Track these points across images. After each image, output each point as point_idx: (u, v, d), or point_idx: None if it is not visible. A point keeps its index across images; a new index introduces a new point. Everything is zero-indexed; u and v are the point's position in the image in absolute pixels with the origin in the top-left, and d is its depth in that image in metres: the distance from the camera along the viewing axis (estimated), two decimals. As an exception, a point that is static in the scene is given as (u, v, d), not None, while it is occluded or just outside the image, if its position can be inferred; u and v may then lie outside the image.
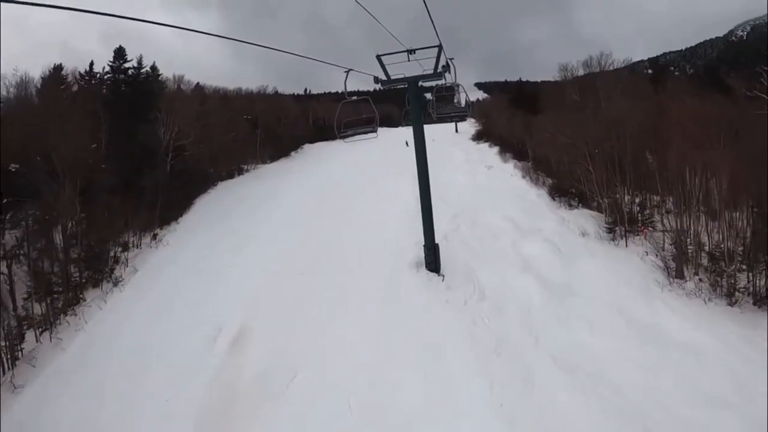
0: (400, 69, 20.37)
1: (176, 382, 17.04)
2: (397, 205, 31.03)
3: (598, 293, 20.60)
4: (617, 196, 29.14)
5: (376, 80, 20.15)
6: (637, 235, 26.50)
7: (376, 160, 50.93)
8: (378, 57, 19.95)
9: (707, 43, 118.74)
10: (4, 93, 37.78)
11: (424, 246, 22.92)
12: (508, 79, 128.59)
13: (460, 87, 21.44)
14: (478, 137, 72.77)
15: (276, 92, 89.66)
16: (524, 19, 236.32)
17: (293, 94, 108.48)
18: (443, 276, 22.43)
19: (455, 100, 22.65)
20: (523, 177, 44.52)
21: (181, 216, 34.68)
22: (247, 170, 56.15)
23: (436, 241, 23.58)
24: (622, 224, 27.14)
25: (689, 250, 22.71)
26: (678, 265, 22.20)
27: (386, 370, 15.96)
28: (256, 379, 16.91)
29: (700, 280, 21.55)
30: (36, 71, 45.99)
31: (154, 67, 51.61)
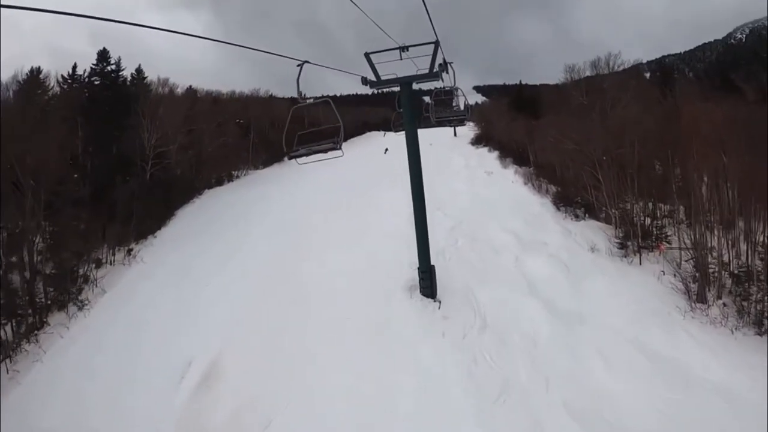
0: (393, 69, 18.07)
1: (136, 428, 14.93)
2: (390, 218, 28.62)
3: (613, 321, 18.44)
4: (628, 207, 27.06)
5: (364, 81, 17.80)
6: (652, 251, 24.37)
7: (370, 168, 48.84)
8: (366, 55, 17.66)
9: (706, 46, 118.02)
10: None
11: (418, 269, 20.66)
12: (507, 83, 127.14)
13: (459, 90, 19.80)
14: (477, 141, 70.83)
15: (270, 96, 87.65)
16: (520, 21, 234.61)
17: (290, 98, 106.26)
18: (439, 302, 20.20)
19: (454, 104, 20.80)
20: (525, 184, 42.49)
21: (160, 229, 32.47)
22: (238, 177, 54.07)
23: (433, 260, 21.43)
24: (634, 239, 25.03)
25: (711, 270, 20.59)
26: (700, 287, 20.07)
27: (373, 423, 13.77)
28: (225, 426, 14.75)
29: (724, 304, 19.46)
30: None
31: (139, 70, 49.62)
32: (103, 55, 42.84)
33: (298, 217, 32.70)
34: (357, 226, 29.52)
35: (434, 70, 17.87)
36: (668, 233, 25.20)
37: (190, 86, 73.90)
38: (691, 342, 17.29)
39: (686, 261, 22.49)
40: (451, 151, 63.34)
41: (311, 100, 15.04)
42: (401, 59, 17.09)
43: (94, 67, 42.41)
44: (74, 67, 45.45)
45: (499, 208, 34.29)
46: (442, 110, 20.29)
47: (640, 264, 23.75)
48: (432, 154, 59.06)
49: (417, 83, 18.79)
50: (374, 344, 17.34)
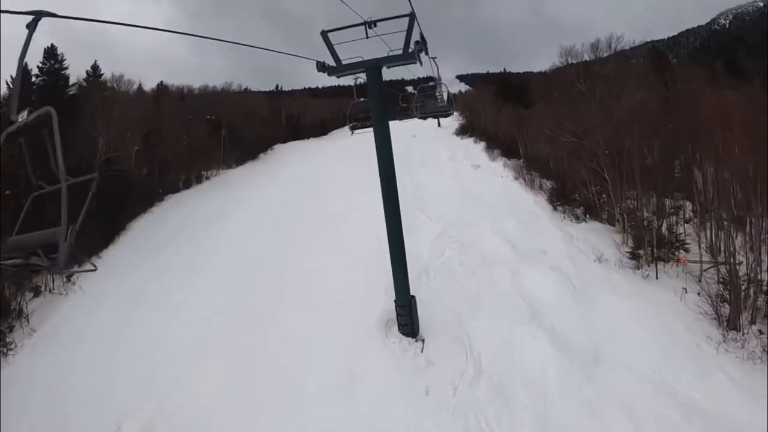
0: (359, 51, 14.03)
1: None
2: (368, 230, 24.77)
3: (634, 359, 15.16)
4: (639, 210, 23.90)
5: (321, 67, 13.74)
6: (668, 261, 21.22)
7: (350, 165, 44.88)
8: (324, 34, 13.72)
9: (690, 32, 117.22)
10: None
11: (395, 302, 17.01)
12: (491, 71, 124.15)
13: (444, 86, 18.93)
14: (463, 132, 67.39)
15: (245, 89, 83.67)
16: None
17: (267, 91, 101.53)
18: (422, 341, 16.65)
19: (438, 95, 19.10)
20: (516, 179, 39.24)
21: (106, 248, 28.58)
22: (208, 177, 50.07)
23: (415, 280, 18.25)
24: (647, 247, 21.86)
25: (742, 287, 17.43)
26: (732, 311, 16.87)
27: None
28: None
29: (760, 332, 16.32)
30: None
31: (95, 67, 45.44)
32: (51, 53, 38.75)
33: (265, 232, 28.94)
34: (329, 237, 25.97)
35: (410, 50, 13.72)
36: (686, 240, 22.09)
37: (161, 82, 70.31)
38: (729, 386, 14.10)
39: (706, 270, 19.46)
40: (435, 142, 59.75)
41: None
42: (367, 38, 13.26)
43: (41, 65, 38.36)
44: (25, 67, 41.22)
45: (489, 207, 31.00)
46: (426, 103, 18.79)
47: (657, 278, 20.55)
48: (416, 146, 55.91)
49: (389, 67, 14.52)
50: (337, 410, 13.69)
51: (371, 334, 17.04)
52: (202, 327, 18.81)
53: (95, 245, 26.73)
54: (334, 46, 13.73)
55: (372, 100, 14.51)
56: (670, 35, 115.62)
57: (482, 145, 56.88)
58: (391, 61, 13.53)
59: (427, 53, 14.18)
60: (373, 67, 13.83)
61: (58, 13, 3.98)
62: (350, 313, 18.07)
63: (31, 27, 3.69)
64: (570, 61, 38.46)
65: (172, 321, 19.56)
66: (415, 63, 13.59)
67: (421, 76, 28.23)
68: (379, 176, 15.85)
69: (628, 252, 22.26)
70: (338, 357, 15.82)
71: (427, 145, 56.67)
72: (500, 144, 51.59)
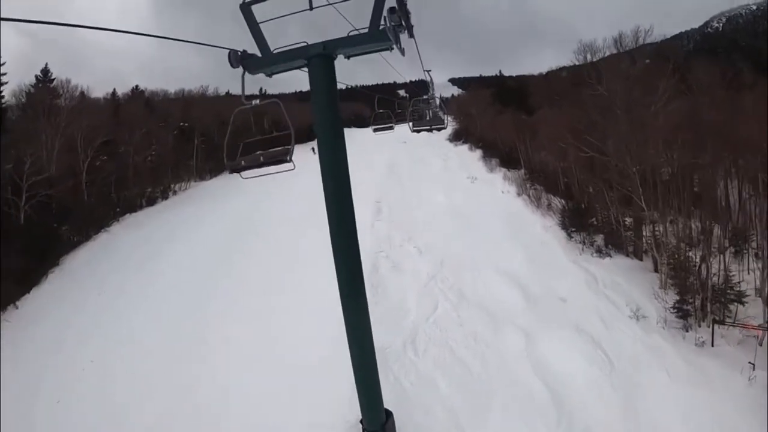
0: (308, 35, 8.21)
1: None
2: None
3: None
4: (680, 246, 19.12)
5: (237, 58, 7.50)
6: (723, 324, 16.30)
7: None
8: (245, 6, 7.69)
9: (683, 35, 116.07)
10: None
11: (362, 425, 11.10)
12: (483, 74, 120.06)
13: (439, 99, 17.93)
14: (457, 138, 62.28)
15: (227, 93, 78.58)
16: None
17: (252, 95, 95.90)
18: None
19: (430, 110, 17.41)
20: (519, 194, 34.35)
21: (29, 292, 22.84)
22: (175, 192, 44.79)
23: (398, 353, 13.47)
24: (697, 298, 17.04)
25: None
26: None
27: None
28: None
29: None
30: None
31: (46, 71, 40.25)
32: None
33: (203, 266, 23.72)
34: (296, 294, 20.24)
35: (380, 26, 6.87)
36: (745, 290, 17.26)
37: (136, 86, 64.88)
38: None
39: None
40: (427, 148, 54.41)
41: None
42: (311, 9, 7.54)
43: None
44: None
45: (490, 233, 26.11)
46: (418, 118, 16.64)
47: (713, 345, 15.66)
48: (405, 154, 51.25)
49: (348, 56, 7.63)
50: None
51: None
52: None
53: (12, 292, 21.30)
54: (267, 34, 8.22)
55: (317, 107, 7.67)
56: (664, 38, 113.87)
57: (478, 153, 52.08)
58: (349, 45, 7.07)
59: (410, 32, 7.88)
60: (317, 55, 7.13)
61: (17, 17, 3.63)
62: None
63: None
64: (589, 59, 33.43)
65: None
66: (389, 49, 7.23)
67: (413, 80, 25.15)
68: (330, 234, 9.99)
69: (673, 308, 17.35)
70: None
71: (419, 153, 51.84)
72: (498, 153, 46.65)
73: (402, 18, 6.85)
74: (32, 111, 32.59)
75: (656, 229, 21.35)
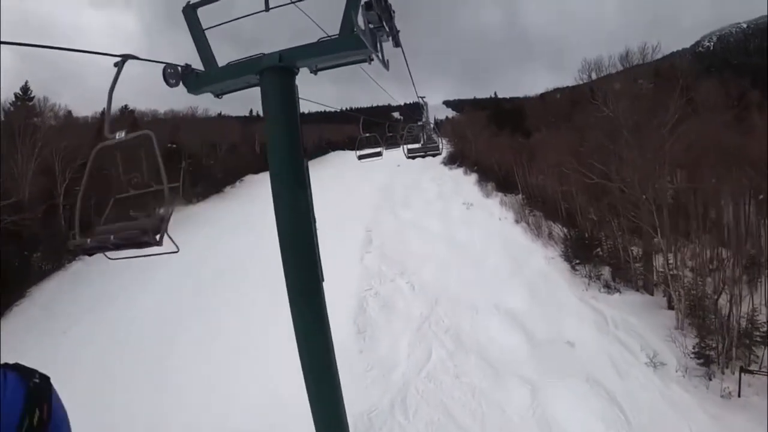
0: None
1: None
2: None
3: None
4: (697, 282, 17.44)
5: (176, 75, 5.35)
6: (751, 372, 14.52)
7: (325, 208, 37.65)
8: (189, 9, 5.52)
9: (674, 55, 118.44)
10: None
11: None
12: (477, 96, 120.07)
13: (432, 126, 17.14)
14: (451, 161, 60.66)
15: (219, 114, 77.52)
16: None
17: (242, 116, 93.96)
18: None
19: (423, 134, 16.86)
20: (517, 221, 32.62)
21: None
22: (158, 217, 42.86)
23: (385, 416, 11.37)
24: (721, 343, 15.27)
25: None
26: None
27: None
28: None
29: None
30: None
31: (25, 88, 38.71)
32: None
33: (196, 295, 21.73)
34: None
35: (353, 29, 4.82)
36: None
37: (125, 106, 63.49)
38: None
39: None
40: (421, 173, 52.69)
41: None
42: (267, 10, 5.37)
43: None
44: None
45: (489, 266, 24.36)
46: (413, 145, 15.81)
47: (739, 395, 13.85)
48: (399, 178, 49.49)
49: (316, 69, 5.53)
50: None
51: None
52: None
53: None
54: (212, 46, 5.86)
55: (270, 133, 5.31)
56: (656, 58, 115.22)
57: (473, 176, 50.46)
58: (313, 54, 4.88)
59: (395, 39, 5.37)
60: (271, 68, 5.06)
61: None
62: None
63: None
64: (593, 77, 32.15)
65: None
66: (367, 60, 4.90)
67: (408, 102, 24.73)
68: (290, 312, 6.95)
69: (694, 353, 15.52)
70: None
71: (412, 177, 50.20)
72: (495, 177, 45.03)
73: (382, 17, 4.77)
74: (8, 130, 30.80)
75: (669, 260, 19.69)
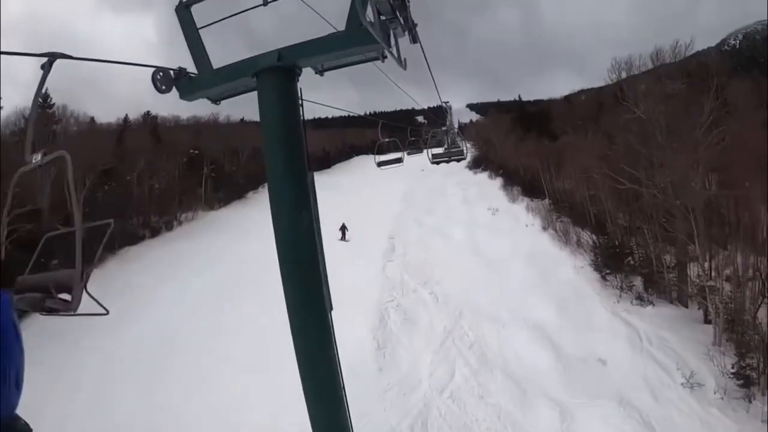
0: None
1: None
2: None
3: None
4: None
5: (167, 79, 4.77)
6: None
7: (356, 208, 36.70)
8: (182, 8, 4.92)
9: (699, 54, 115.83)
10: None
11: None
12: (501, 99, 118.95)
13: (457, 131, 17.52)
14: (476, 165, 59.81)
15: (242, 120, 77.84)
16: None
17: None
18: None
19: (447, 138, 17.04)
20: (544, 228, 31.73)
21: None
22: (180, 223, 43.16)
23: None
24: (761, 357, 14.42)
25: None
26: None
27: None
28: None
29: None
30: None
31: (45, 95, 39.06)
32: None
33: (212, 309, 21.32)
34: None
35: (360, 25, 4.10)
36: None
37: (148, 112, 64.13)
38: None
39: None
40: (445, 177, 51.99)
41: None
42: (265, 4, 4.71)
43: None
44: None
45: (515, 276, 23.58)
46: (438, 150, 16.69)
47: (784, 420, 13.01)
48: (423, 184, 48.88)
49: (322, 70, 4.87)
50: None
51: None
52: None
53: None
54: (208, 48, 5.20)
55: (267, 141, 4.66)
56: (681, 58, 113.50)
57: (499, 181, 49.56)
58: (316, 51, 4.29)
59: (412, 34, 4.51)
60: (269, 69, 4.52)
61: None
62: None
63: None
64: (623, 76, 31.08)
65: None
66: (380, 58, 4.19)
67: (432, 105, 23.85)
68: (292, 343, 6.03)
69: (731, 372, 14.66)
70: None
71: (437, 182, 49.61)
72: (520, 181, 44.13)
73: (394, 6, 4.03)
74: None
75: (705, 269, 18.78)
